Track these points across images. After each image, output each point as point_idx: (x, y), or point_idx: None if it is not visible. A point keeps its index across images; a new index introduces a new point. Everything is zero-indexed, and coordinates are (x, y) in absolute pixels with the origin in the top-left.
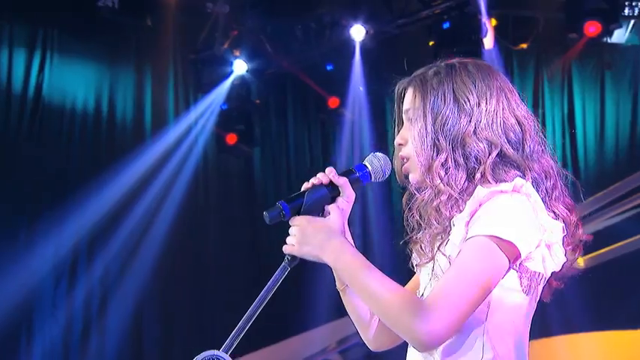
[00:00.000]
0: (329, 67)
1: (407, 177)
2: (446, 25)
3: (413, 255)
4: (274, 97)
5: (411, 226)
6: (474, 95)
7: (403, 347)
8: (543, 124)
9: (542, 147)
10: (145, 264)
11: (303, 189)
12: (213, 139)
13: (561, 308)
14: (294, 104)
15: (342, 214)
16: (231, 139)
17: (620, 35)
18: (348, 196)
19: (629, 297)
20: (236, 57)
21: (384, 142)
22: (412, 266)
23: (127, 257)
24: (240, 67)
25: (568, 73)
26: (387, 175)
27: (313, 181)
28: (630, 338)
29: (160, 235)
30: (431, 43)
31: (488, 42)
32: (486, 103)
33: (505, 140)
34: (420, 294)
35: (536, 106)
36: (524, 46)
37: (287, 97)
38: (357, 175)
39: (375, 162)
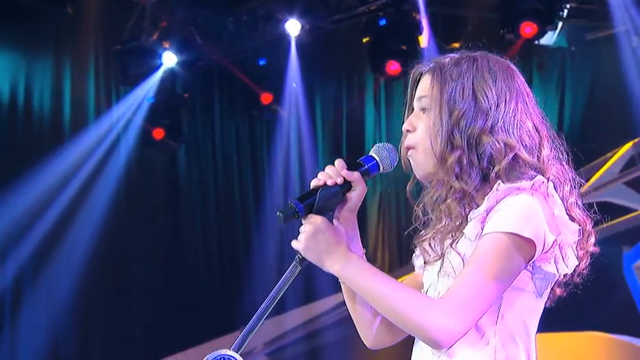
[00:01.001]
0: (262, 62)
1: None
2: (382, 22)
3: (416, 252)
4: (204, 91)
5: (419, 221)
6: (494, 94)
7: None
8: None
9: (559, 154)
10: (66, 264)
11: (312, 185)
12: (139, 134)
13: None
14: (224, 99)
15: (351, 216)
16: (158, 133)
17: (548, 37)
18: (360, 190)
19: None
20: (165, 49)
21: (316, 137)
22: (414, 263)
23: (44, 261)
24: (169, 59)
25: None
26: (394, 165)
27: (324, 178)
28: (563, 340)
29: (81, 235)
30: (365, 40)
31: (424, 40)
32: (505, 105)
33: (521, 144)
34: (425, 291)
35: None
36: (457, 45)
37: (217, 91)
38: (366, 167)
39: (382, 153)
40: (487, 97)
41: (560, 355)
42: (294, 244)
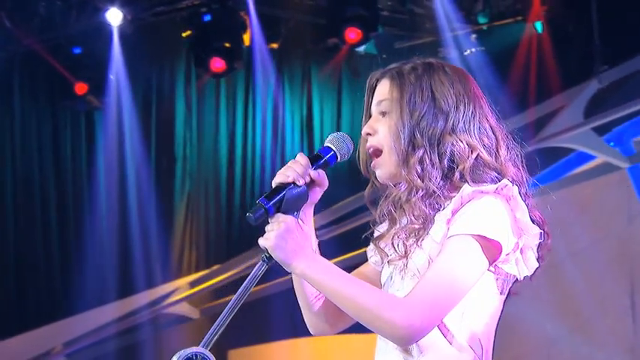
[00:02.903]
0: (77, 51)
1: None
2: (206, 18)
3: (370, 247)
4: (11, 77)
5: (379, 221)
6: (452, 96)
7: None
8: (283, 125)
9: (514, 156)
10: None
11: (278, 182)
12: None
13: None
14: (31, 87)
15: (309, 209)
16: None
17: None
18: (323, 187)
19: None
20: None
21: (123, 131)
22: (368, 257)
23: None
24: None
25: (308, 76)
26: (350, 153)
27: (293, 177)
28: (362, 340)
29: None
30: (185, 34)
31: (248, 38)
32: (464, 107)
33: (482, 145)
34: (382, 287)
35: (277, 106)
36: (275, 46)
37: (25, 78)
38: (325, 159)
39: (338, 142)
40: (446, 99)
41: (362, 356)
42: (262, 241)
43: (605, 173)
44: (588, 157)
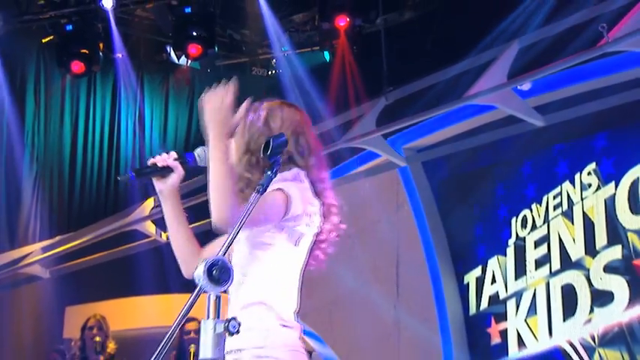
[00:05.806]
0: None
1: None
2: (69, 27)
3: None
4: None
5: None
6: (280, 120)
7: None
8: (119, 122)
9: (320, 162)
10: None
11: (149, 162)
12: None
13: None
14: None
15: (174, 190)
16: None
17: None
18: (178, 172)
19: None
20: None
21: None
22: None
23: None
24: None
25: (141, 83)
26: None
27: (158, 159)
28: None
29: None
30: (45, 40)
31: (102, 47)
32: (286, 128)
33: (296, 153)
34: None
35: (114, 107)
36: (120, 55)
37: None
38: (185, 158)
39: (202, 152)
40: (275, 122)
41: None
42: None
43: (383, 171)
44: (375, 155)
